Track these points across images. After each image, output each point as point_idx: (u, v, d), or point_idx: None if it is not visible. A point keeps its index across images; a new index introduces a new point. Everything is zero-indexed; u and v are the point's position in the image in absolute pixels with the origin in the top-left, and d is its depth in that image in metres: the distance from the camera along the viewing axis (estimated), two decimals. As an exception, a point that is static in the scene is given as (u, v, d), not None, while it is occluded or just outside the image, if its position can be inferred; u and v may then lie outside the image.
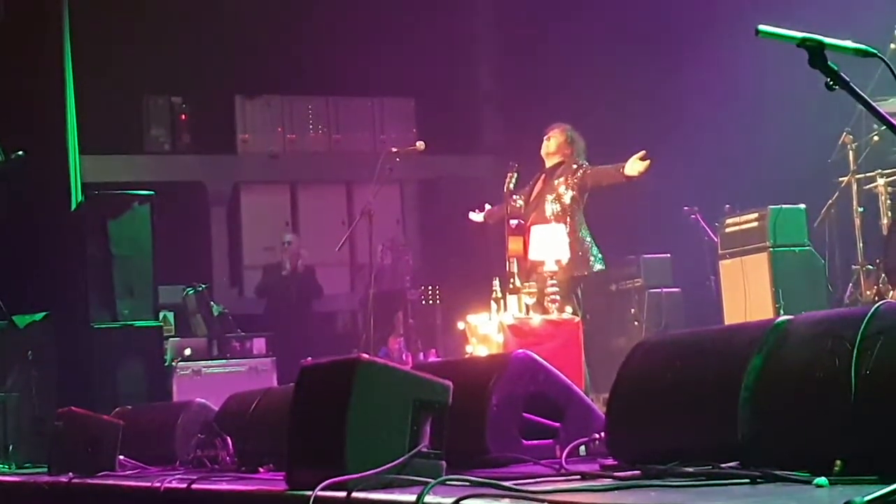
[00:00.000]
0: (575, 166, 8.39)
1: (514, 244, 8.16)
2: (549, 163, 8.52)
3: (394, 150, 9.27)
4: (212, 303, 11.46)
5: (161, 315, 10.60)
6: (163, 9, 13.20)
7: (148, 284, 9.94)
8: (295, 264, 12.37)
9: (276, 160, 14.61)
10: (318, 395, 4.11)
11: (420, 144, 9.25)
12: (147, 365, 9.75)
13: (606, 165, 8.34)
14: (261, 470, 5.29)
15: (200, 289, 11.33)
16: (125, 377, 9.53)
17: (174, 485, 4.85)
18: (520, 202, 8.50)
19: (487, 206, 8.83)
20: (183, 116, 14.37)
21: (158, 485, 4.89)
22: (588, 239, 8.31)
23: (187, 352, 10.45)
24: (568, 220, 8.22)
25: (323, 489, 3.58)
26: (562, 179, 8.35)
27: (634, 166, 7.99)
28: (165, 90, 14.22)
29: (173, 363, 10.19)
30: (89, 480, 5.77)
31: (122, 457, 6.28)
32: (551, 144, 8.48)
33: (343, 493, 3.55)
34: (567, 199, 8.27)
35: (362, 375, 3.88)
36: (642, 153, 7.95)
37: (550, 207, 8.29)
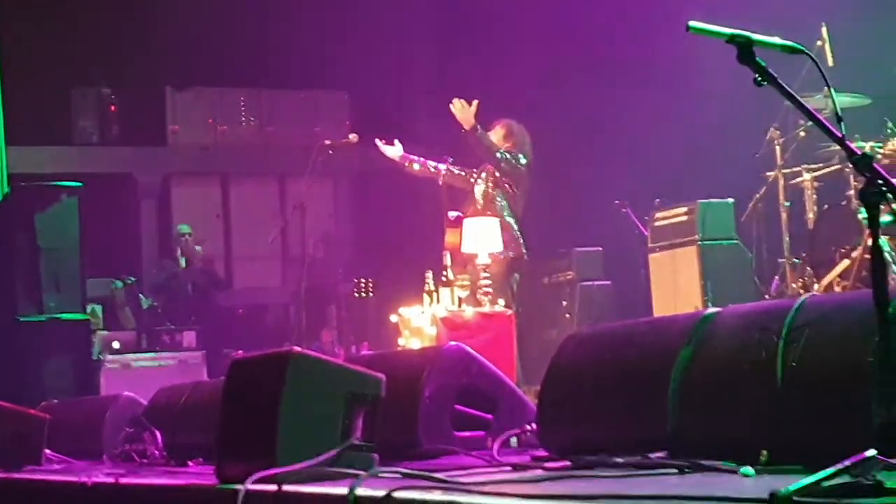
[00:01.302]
0: (499, 155, 8.37)
1: (451, 236, 8.16)
2: None
3: (327, 142, 9.23)
4: (141, 296, 11.36)
5: (89, 308, 10.48)
6: (92, -1, 13.06)
7: (75, 277, 9.81)
8: (191, 258, 12.09)
9: (207, 152, 14.51)
10: (249, 388, 4.09)
11: (353, 137, 9.21)
12: (74, 358, 9.63)
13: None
14: (190, 464, 5.25)
15: (129, 282, 11.23)
16: (52, 371, 9.40)
17: (102, 479, 4.80)
18: (442, 168, 8.45)
19: (398, 144, 8.68)
20: (112, 107, 14.22)
21: (86, 479, 4.84)
22: (515, 225, 8.33)
23: (115, 345, 10.35)
24: (492, 206, 8.23)
25: (253, 482, 3.56)
26: (491, 171, 8.38)
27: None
28: (94, 81, 14.06)
29: (101, 357, 10.08)
30: (15, 475, 5.69)
31: (48, 451, 6.20)
32: (493, 138, 8.48)
33: (274, 487, 3.54)
34: (490, 187, 8.29)
35: (294, 368, 3.87)
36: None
37: (480, 196, 8.32)
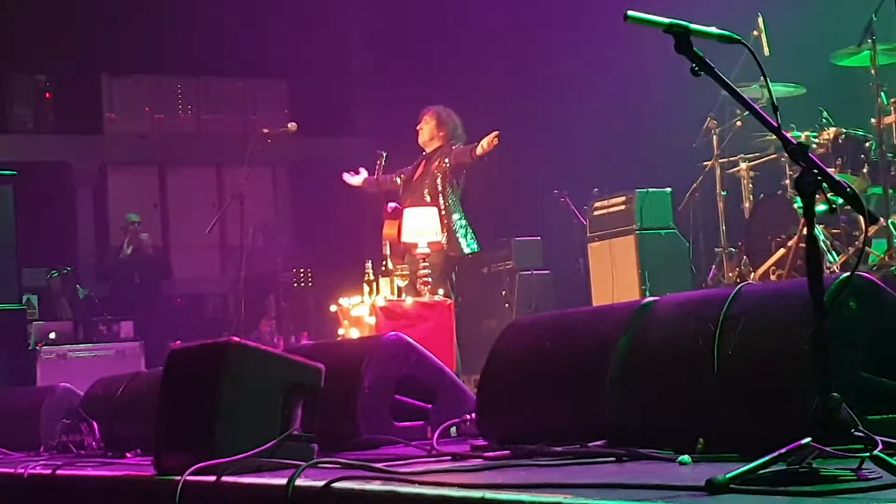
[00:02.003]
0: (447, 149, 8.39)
1: (388, 228, 8.15)
2: (428, 149, 8.50)
3: (265, 131, 9.17)
4: (77, 286, 11.24)
5: (25, 298, 10.35)
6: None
7: (11, 267, 9.69)
8: (137, 246, 11.94)
9: (143, 140, 14.38)
10: (187, 378, 4.07)
11: (292, 126, 9.16)
12: (10, 349, 9.51)
13: (467, 146, 8.35)
14: (128, 455, 5.21)
15: (65, 271, 11.10)
16: (-13, 362, 9.30)
17: (38, 470, 4.75)
18: (398, 180, 8.48)
19: (363, 172, 8.70)
20: (47, 95, 14.04)
21: (22, 471, 4.79)
22: (462, 221, 8.33)
23: (52, 335, 10.23)
24: (441, 202, 8.23)
25: (192, 474, 3.54)
26: (436, 164, 8.37)
27: (482, 144, 8.03)
28: (29, 68, 13.88)
29: (37, 347, 9.96)
30: (-50, 467, 5.62)
31: (-16, 443, 6.14)
32: (424, 133, 8.46)
33: (212, 478, 3.52)
34: (438, 182, 8.29)
35: (233, 359, 3.85)
36: (496, 133, 7.97)
37: (426, 190, 8.30)
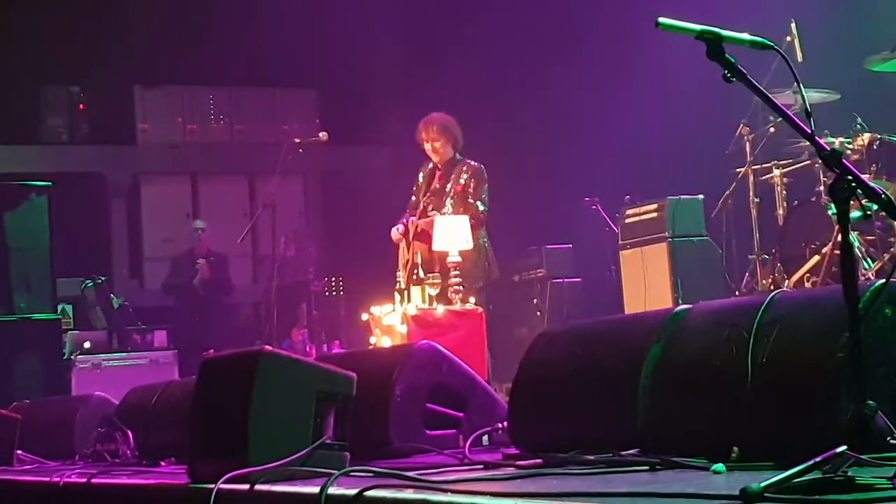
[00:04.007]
0: (465, 167, 8.26)
1: (404, 251, 8.19)
2: (441, 163, 8.40)
3: (296, 140, 9.20)
4: (111, 295, 11.29)
5: (59, 308, 10.43)
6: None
7: (46, 277, 9.77)
8: (205, 255, 12.03)
9: (176, 151, 14.45)
10: (220, 387, 4.08)
11: (323, 135, 9.19)
12: (45, 358, 9.59)
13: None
14: (162, 463, 5.24)
15: (100, 281, 11.16)
16: (23, 371, 9.36)
17: (74, 479, 4.78)
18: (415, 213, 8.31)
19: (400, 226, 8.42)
20: (81, 106, 14.14)
21: (58, 479, 4.82)
22: (487, 245, 8.28)
23: (87, 345, 10.29)
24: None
25: (225, 482, 3.55)
26: (454, 181, 8.27)
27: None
28: (63, 79, 13.98)
29: (72, 356, 10.02)
30: (-14, 476, 5.66)
31: (20, 451, 6.17)
32: (441, 152, 8.27)
33: (246, 486, 3.53)
34: (467, 197, 8.22)
35: (265, 367, 3.85)
36: None
37: (448, 202, 8.23)
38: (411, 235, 8.16)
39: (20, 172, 11.61)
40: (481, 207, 8.19)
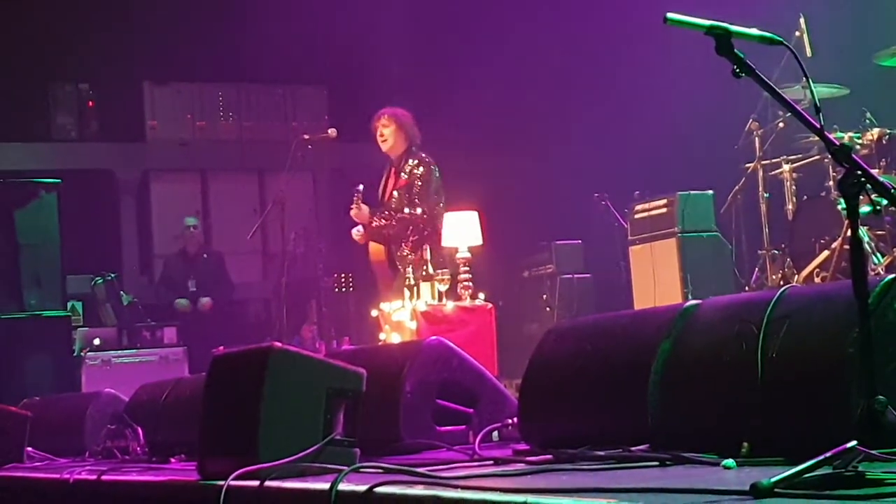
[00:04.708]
0: (416, 160, 8.12)
1: (375, 250, 8.19)
2: (393, 155, 8.24)
3: (306, 137, 9.20)
4: (121, 292, 11.30)
5: (69, 305, 10.44)
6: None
7: (56, 274, 9.79)
8: (197, 250, 12.00)
9: (186, 148, 14.46)
10: (230, 384, 4.08)
11: (332, 132, 9.19)
12: (55, 355, 9.61)
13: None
14: (172, 460, 5.24)
15: (109, 278, 11.17)
16: (33, 368, 9.38)
17: (84, 476, 4.79)
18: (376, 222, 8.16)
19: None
20: (90, 103, 14.15)
21: (68, 476, 4.83)
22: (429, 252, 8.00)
23: (96, 342, 10.31)
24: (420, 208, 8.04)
25: (235, 478, 3.56)
26: (408, 169, 8.11)
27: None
28: (72, 77, 14.00)
29: (82, 353, 10.04)
30: (-4, 473, 5.68)
31: (29, 448, 6.19)
32: (388, 139, 8.15)
33: (256, 482, 3.54)
34: (416, 188, 8.14)
35: (275, 364, 3.86)
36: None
37: (404, 199, 8.09)
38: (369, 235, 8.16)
39: (30, 170, 11.63)
40: (418, 211, 8.05)
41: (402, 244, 8.11)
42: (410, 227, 8.06)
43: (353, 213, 8.22)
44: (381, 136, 8.20)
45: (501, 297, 8.49)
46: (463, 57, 12.28)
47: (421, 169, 8.10)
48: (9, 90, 12.50)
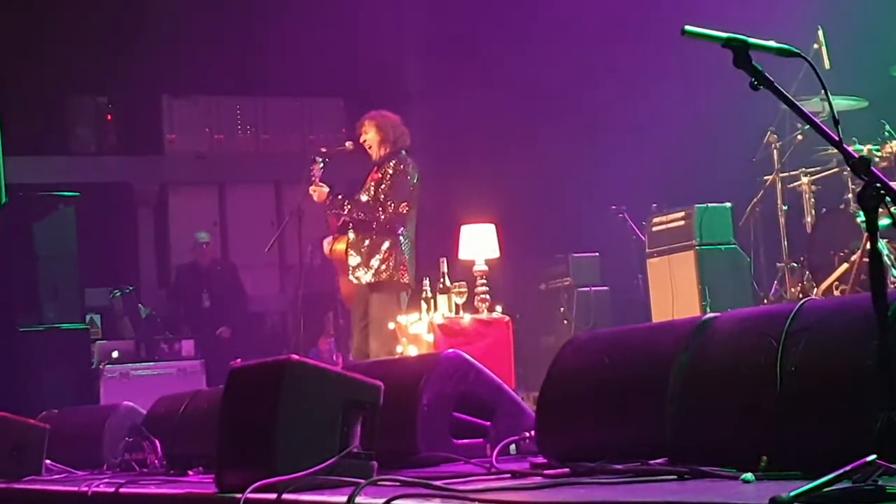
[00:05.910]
0: (395, 160, 8.03)
1: (338, 244, 8.15)
2: (378, 159, 8.18)
3: (323, 150, 9.22)
4: (139, 305, 11.35)
5: (88, 317, 10.48)
6: (87, 7, 13.04)
7: (74, 287, 9.83)
8: (210, 265, 12.02)
9: (203, 161, 14.51)
10: (247, 396, 4.09)
11: (349, 144, 9.17)
12: (74, 368, 9.64)
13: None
14: (190, 473, 5.25)
15: (128, 291, 11.21)
16: (51, 380, 9.41)
17: (102, 489, 4.80)
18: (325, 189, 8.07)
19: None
20: (109, 116, 14.22)
21: (86, 489, 4.84)
22: (406, 251, 7.96)
23: (115, 354, 10.34)
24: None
25: (253, 491, 3.56)
26: (383, 169, 8.03)
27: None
28: (90, 90, 14.06)
29: (100, 366, 10.07)
30: (15, 485, 5.69)
31: (48, 461, 6.20)
32: (372, 146, 8.14)
33: (273, 495, 3.54)
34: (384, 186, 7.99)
35: (292, 376, 3.86)
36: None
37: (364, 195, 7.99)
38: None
39: (48, 183, 11.67)
40: (381, 198, 7.92)
41: (362, 234, 7.99)
42: (362, 213, 7.94)
43: (311, 189, 8.11)
44: (365, 142, 8.20)
45: (519, 309, 8.46)
46: (480, 69, 12.28)
47: (400, 167, 8.02)
48: (28, 103, 12.56)
